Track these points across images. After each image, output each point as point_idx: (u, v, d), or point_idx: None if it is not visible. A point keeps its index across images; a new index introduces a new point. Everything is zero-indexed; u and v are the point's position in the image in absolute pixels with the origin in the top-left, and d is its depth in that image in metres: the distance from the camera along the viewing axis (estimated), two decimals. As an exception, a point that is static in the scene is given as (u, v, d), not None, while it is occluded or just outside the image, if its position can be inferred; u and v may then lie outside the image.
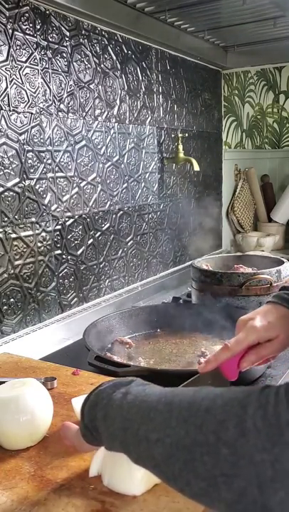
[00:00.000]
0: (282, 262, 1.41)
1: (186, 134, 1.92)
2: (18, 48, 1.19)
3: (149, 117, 1.73)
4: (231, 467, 0.41)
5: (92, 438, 0.59)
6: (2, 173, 1.17)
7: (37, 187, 1.28)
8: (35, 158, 1.26)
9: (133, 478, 0.61)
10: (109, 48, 1.49)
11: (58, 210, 1.35)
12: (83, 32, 1.38)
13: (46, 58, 1.27)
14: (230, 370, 0.75)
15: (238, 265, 1.50)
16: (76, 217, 1.42)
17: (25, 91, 1.22)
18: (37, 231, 1.28)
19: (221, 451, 0.42)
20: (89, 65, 1.42)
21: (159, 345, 1.23)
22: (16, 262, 1.23)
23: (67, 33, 1.33)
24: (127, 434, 0.52)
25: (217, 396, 0.46)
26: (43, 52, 1.26)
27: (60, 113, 1.33)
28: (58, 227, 1.35)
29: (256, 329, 0.73)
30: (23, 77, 1.21)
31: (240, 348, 0.73)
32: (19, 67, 1.19)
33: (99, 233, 1.52)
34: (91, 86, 1.43)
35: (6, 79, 1.16)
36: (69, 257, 1.40)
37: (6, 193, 1.19)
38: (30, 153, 1.25)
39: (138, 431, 0.50)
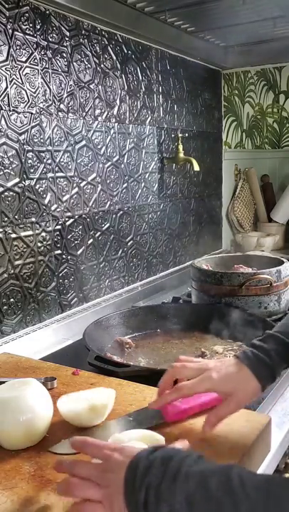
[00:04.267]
0: (282, 262, 1.41)
1: (186, 134, 1.92)
2: (18, 48, 1.19)
3: (149, 117, 1.73)
4: None
5: None
6: (2, 173, 1.17)
7: (37, 187, 1.28)
8: (35, 158, 1.26)
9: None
10: (109, 47, 1.49)
11: (58, 210, 1.35)
12: (83, 32, 1.38)
13: (46, 58, 1.27)
14: (171, 411, 0.76)
15: (238, 265, 1.50)
16: (76, 217, 1.42)
17: (25, 91, 1.22)
18: (37, 231, 1.28)
19: None
20: (89, 65, 1.42)
21: (159, 345, 1.23)
22: (16, 262, 1.23)
23: (67, 33, 1.33)
24: None
25: None
26: (43, 52, 1.26)
27: (60, 113, 1.33)
28: (58, 227, 1.35)
29: (211, 379, 0.71)
30: (23, 77, 1.21)
31: (191, 392, 0.73)
32: (19, 67, 1.19)
33: (99, 233, 1.52)
34: (91, 86, 1.43)
35: (6, 79, 1.16)
36: (69, 257, 1.40)
37: (6, 193, 1.19)
38: (30, 153, 1.25)
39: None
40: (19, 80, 1.20)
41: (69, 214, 1.39)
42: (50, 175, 1.31)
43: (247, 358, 0.72)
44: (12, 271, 1.22)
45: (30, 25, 1.22)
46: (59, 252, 1.36)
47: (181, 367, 0.75)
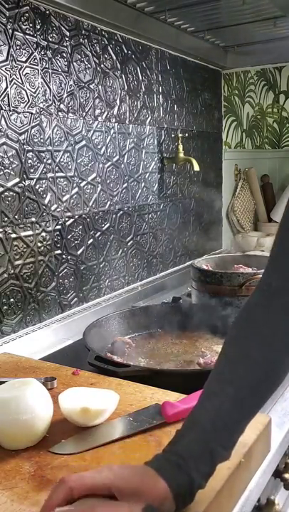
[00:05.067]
0: (282, 262, 1.40)
1: (186, 134, 1.92)
2: (18, 48, 1.19)
3: (149, 117, 1.73)
4: None
5: None
6: (2, 173, 1.17)
7: (37, 187, 1.28)
8: (35, 158, 1.26)
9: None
10: (109, 47, 1.49)
11: (58, 210, 1.35)
12: (83, 32, 1.38)
13: (46, 58, 1.27)
14: (171, 411, 0.76)
15: (238, 265, 1.50)
16: (76, 217, 1.42)
17: (25, 91, 1.22)
18: (37, 231, 1.28)
19: None
20: (89, 65, 1.42)
21: (159, 345, 1.23)
22: (16, 262, 1.23)
23: (67, 33, 1.33)
24: None
25: None
26: (43, 52, 1.26)
27: (60, 113, 1.33)
28: (58, 227, 1.35)
29: (112, 469, 0.57)
30: (23, 77, 1.21)
31: (78, 484, 0.56)
32: (19, 67, 1.19)
33: (99, 233, 1.52)
34: (91, 86, 1.43)
35: (6, 79, 1.16)
36: (69, 257, 1.40)
37: (6, 193, 1.19)
38: (30, 153, 1.25)
39: None
40: (19, 80, 1.20)
41: (69, 214, 1.39)
42: (50, 175, 1.31)
43: (156, 460, 0.59)
44: (12, 271, 1.22)
45: (30, 25, 1.22)
46: (59, 252, 1.36)
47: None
